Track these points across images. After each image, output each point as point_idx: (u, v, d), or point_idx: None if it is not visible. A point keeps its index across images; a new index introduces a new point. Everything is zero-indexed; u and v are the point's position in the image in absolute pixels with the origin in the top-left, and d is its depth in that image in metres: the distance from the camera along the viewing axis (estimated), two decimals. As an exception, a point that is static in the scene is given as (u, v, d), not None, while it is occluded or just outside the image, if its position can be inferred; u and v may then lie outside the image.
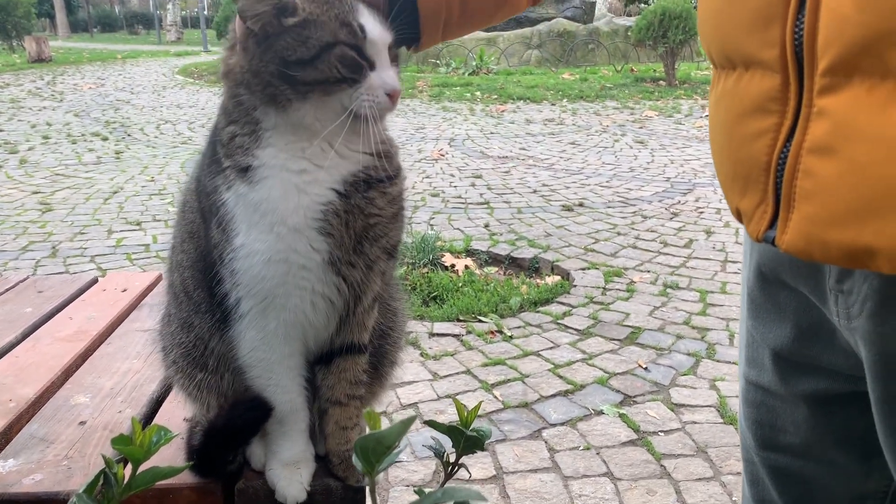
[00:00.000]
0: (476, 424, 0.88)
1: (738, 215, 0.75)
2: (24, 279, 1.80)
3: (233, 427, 0.97)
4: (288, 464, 1.02)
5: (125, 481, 0.73)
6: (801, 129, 0.65)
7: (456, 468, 0.91)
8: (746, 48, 0.70)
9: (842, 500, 0.87)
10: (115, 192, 5.70)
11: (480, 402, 0.89)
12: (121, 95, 11.46)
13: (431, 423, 0.91)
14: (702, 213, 5.19)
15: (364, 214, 0.89)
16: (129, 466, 0.73)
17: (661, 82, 12.24)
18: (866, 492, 0.86)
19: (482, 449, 0.91)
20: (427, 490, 0.75)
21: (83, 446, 1.12)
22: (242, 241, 0.88)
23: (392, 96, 0.85)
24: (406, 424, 0.57)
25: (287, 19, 0.81)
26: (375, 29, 0.84)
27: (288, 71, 0.82)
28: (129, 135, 8.17)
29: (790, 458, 0.88)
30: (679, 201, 5.50)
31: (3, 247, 4.43)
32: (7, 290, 1.74)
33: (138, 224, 4.91)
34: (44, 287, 1.75)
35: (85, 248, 4.42)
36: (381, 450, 0.56)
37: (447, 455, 0.91)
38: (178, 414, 1.20)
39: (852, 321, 0.71)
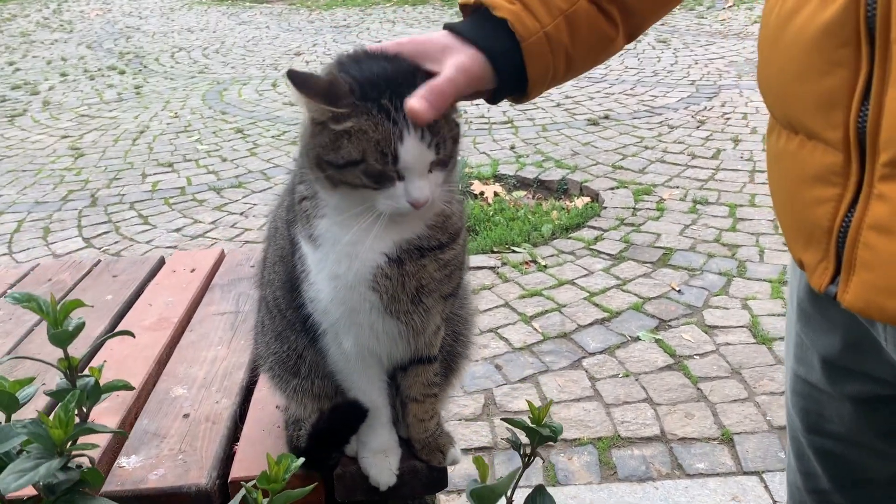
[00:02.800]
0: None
1: (802, 265, 0.83)
2: (97, 263, 1.92)
3: (335, 430, 1.10)
4: (377, 452, 1.15)
5: (264, 505, 0.86)
6: (861, 206, 0.71)
7: (531, 459, 1.04)
8: (810, 124, 0.75)
9: (881, 477, 0.97)
10: (142, 132, 5.76)
11: (551, 401, 1.00)
12: (129, 21, 11.30)
13: (509, 421, 1.03)
14: (728, 119, 5.16)
15: (417, 278, 0.98)
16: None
17: (680, -30, 11.77)
18: None
19: (555, 442, 1.02)
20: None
21: (192, 440, 1.26)
22: (313, 280, 1.00)
23: (415, 205, 0.88)
24: (512, 476, 0.68)
25: (333, 125, 0.86)
26: (411, 153, 0.85)
27: (321, 164, 0.89)
28: (145, 66, 8.13)
29: (834, 442, 0.98)
30: (705, 107, 5.46)
31: (45, 198, 4.56)
32: (84, 276, 1.86)
33: (170, 165, 5.00)
34: (117, 271, 1.88)
35: (123, 195, 4.53)
36: (494, 497, 0.68)
37: (524, 447, 1.04)
38: (270, 402, 1.33)
39: None
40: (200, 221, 4.11)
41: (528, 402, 1.01)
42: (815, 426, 1.00)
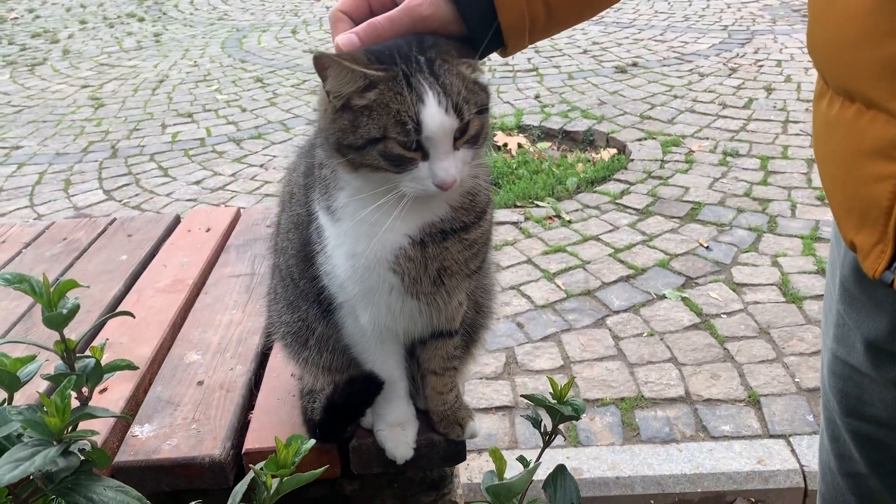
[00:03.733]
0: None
1: (853, 247, 0.76)
2: (112, 222, 1.89)
3: (350, 403, 1.07)
4: (393, 425, 1.12)
5: (274, 488, 0.83)
6: None
7: (553, 436, 1.00)
8: (870, 92, 0.68)
9: None
10: (161, 81, 5.70)
11: (572, 378, 0.96)
12: (148, -34, 11.13)
13: (529, 398, 0.99)
14: (761, 66, 4.98)
15: (439, 260, 0.93)
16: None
17: None
18: None
19: (577, 419, 0.98)
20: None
21: (206, 408, 1.24)
22: (330, 254, 0.96)
23: (442, 187, 0.83)
24: (531, 473, 0.64)
25: (356, 101, 0.81)
26: (435, 120, 0.80)
27: (341, 148, 0.84)
28: (164, 13, 8.02)
29: (874, 426, 0.93)
30: (738, 54, 5.27)
31: (66, 149, 4.54)
32: (99, 235, 1.83)
33: (189, 116, 4.95)
34: (131, 230, 1.84)
35: (143, 147, 4.50)
36: (511, 495, 0.64)
37: (544, 426, 0.99)
38: (285, 369, 1.30)
39: None
40: (220, 174, 4.07)
41: (550, 378, 0.97)
42: (855, 410, 0.94)
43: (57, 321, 0.66)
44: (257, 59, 6.11)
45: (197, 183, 3.99)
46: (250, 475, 0.83)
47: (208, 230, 1.81)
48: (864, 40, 0.68)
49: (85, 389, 0.80)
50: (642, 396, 2.32)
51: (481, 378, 2.45)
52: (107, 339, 1.38)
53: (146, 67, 6.08)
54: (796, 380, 2.33)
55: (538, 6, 0.84)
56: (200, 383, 1.30)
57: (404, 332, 1.05)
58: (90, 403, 0.80)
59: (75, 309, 0.67)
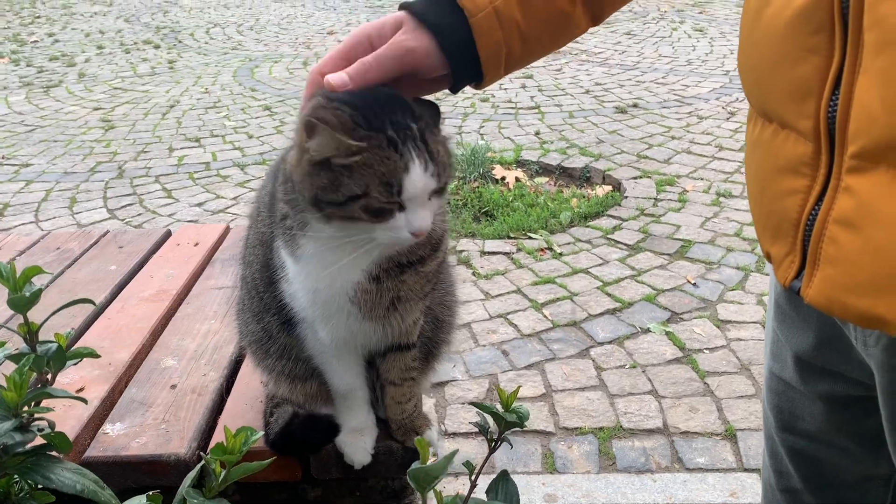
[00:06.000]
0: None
1: (769, 258, 0.81)
2: (105, 234, 1.95)
3: (307, 441, 1.13)
4: (353, 431, 1.16)
5: (222, 476, 0.87)
6: (829, 199, 0.69)
7: (498, 444, 1.04)
8: (783, 113, 0.73)
9: (850, 478, 0.96)
10: (172, 106, 5.82)
11: (519, 387, 0.99)
12: (168, -4, 11.41)
13: (476, 405, 1.03)
14: (759, 111, 5.06)
15: (395, 291, 0.98)
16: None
17: (723, -42, 11.53)
18: (874, 475, 0.95)
19: (521, 427, 1.02)
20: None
21: (177, 410, 1.28)
22: (291, 281, 1.01)
23: (417, 235, 0.87)
24: (448, 459, 0.68)
25: (340, 160, 0.82)
26: (418, 185, 0.83)
27: (319, 203, 0.86)
28: (179, 41, 8.21)
29: (806, 441, 0.97)
30: (737, 98, 5.36)
31: (74, 168, 4.64)
32: (91, 245, 1.89)
33: (197, 140, 5.06)
34: (123, 242, 1.91)
35: (149, 168, 4.60)
36: (429, 479, 0.68)
37: (491, 433, 1.03)
38: (255, 377, 1.34)
39: (868, 349, 0.78)
40: (222, 197, 4.15)
41: (497, 386, 1.01)
42: (788, 424, 0.98)
43: (20, 303, 0.71)
44: (267, 88, 6.24)
45: (199, 205, 4.07)
46: (201, 463, 0.88)
47: (196, 244, 1.87)
48: (777, 64, 0.73)
49: (49, 375, 0.85)
50: (621, 427, 2.35)
51: (463, 403, 2.48)
52: (72, 329, 1.43)
53: (158, 92, 6.22)
54: (774, 416, 2.35)
55: (513, 36, 0.88)
56: (174, 387, 1.34)
57: (362, 346, 1.10)
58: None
59: (37, 293, 0.72)
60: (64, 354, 0.82)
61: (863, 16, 0.63)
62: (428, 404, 2.49)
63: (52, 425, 0.81)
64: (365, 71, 0.85)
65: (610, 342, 2.75)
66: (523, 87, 5.91)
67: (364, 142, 0.82)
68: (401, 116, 0.85)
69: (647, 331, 2.80)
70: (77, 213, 4.00)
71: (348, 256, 0.91)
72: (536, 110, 5.33)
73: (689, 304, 2.96)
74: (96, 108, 5.84)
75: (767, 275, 3.12)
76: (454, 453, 0.67)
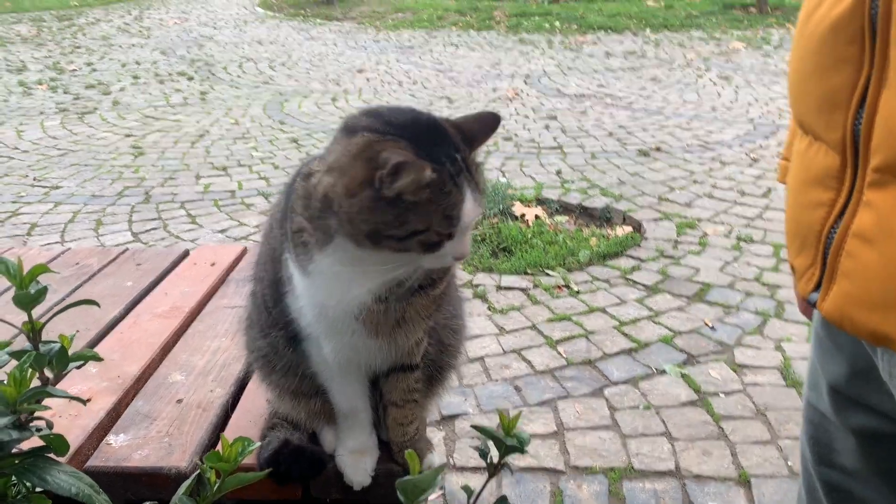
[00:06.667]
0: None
1: (793, 270, 0.80)
2: (124, 251, 1.98)
3: (290, 471, 1.13)
4: (354, 452, 1.16)
5: (217, 485, 0.87)
6: (850, 212, 0.69)
7: (499, 469, 1.03)
8: (815, 124, 0.74)
9: None
10: (202, 136, 5.94)
11: (520, 412, 0.98)
12: (204, 31, 11.70)
13: (477, 428, 1.03)
14: (784, 158, 5.04)
15: (401, 311, 0.99)
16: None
17: (751, 9, 11.62)
18: None
19: (522, 452, 1.01)
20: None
21: (181, 424, 1.29)
22: (298, 296, 1.02)
23: (459, 259, 0.90)
24: (437, 472, 0.68)
25: (407, 196, 0.83)
26: (471, 215, 0.87)
27: (378, 237, 0.86)
28: (212, 74, 8.40)
29: (842, 475, 0.94)
30: (760, 145, 5.35)
31: (102, 192, 4.73)
32: (110, 262, 1.92)
33: (224, 169, 5.14)
34: (141, 260, 1.93)
35: (175, 194, 4.67)
36: (418, 492, 0.67)
37: (491, 457, 1.02)
38: (261, 394, 1.34)
39: (893, 380, 0.77)
40: (245, 224, 4.20)
41: (499, 411, 1.01)
42: (825, 457, 0.96)
43: (25, 300, 0.72)
44: (296, 121, 6.34)
45: (222, 231, 4.12)
46: (197, 472, 0.88)
47: (213, 264, 1.89)
48: (814, 74, 0.73)
49: (50, 374, 0.86)
50: (632, 468, 2.31)
51: (472, 437, 2.45)
52: (77, 330, 1.45)
53: (189, 122, 6.35)
54: (789, 463, 2.30)
55: None
56: (179, 401, 1.35)
57: (366, 365, 1.10)
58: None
59: (43, 291, 0.74)
60: (67, 355, 0.83)
61: (890, 29, 0.63)
62: (437, 437, 2.47)
63: (49, 425, 0.82)
64: None
65: (624, 382, 2.72)
66: (546, 127, 5.96)
67: (436, 175, 0.83)
68: (448, 147, 0.87)
69: (663, 372, 2.76)
70: (102, 235, 4.06)
71: (365, 276, 0.92)
72: (559, 150, 5.36)
73: (705, 347, 2.92)
74: (128, 135, 5.97)
75: (787, 321, 3.08)
76: (442, 467, 0.66)
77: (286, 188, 1.13)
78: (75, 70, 8.67)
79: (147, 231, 4.12)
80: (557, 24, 11.18)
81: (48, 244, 3.95)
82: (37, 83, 7.97)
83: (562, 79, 7.78)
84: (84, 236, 4.05)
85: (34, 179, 4.98)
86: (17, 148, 5.73)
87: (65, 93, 7.51)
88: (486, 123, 0.94)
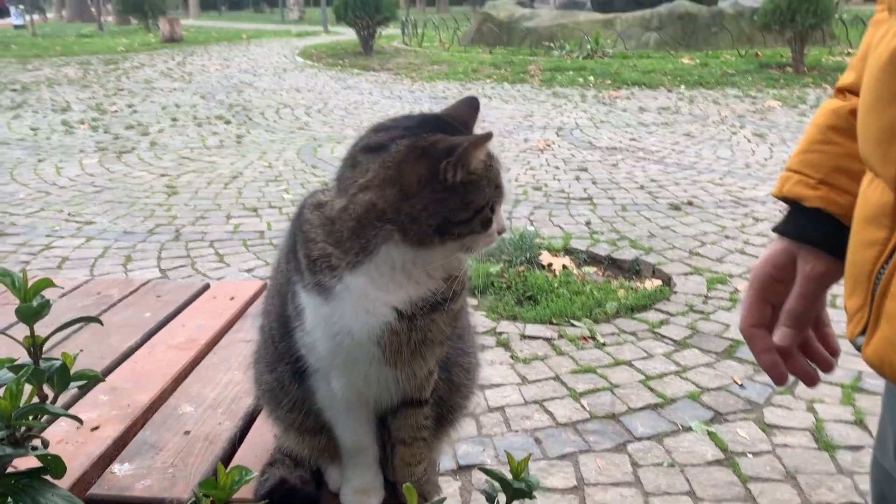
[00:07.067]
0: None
1: (847, 311, 0.77)
2: (146, 283, 1.99)
3: None
4: (358, 491, 1.12)
5: (212, 515, 0.84)
6: None
7: (506, 513, 0.98)
8: (872, 159, 0.71)
9: None
10: (235, 178, 6.03)
11: (529, 455, 0.95)
12: (244, 77, 12.02)
13: (484, 470, 0.99)
14: (818, 217, 4.96)
15: (423, 332, 0.96)
16: None
17: (787, 69, 11.64)
18: None
19: (531, 498, 0.97)
20: None
21: (186, 455, 1.26)
22: (309, 329, 0.99)
23: (502, 232, 0.93)
24: (440, 505, 0.65)
25: (473, 173, 0.88)
26: (506, 182, 0.92)
27: (447, 226, 0.88)
28: (249, 118, 8.59)
29: None
30: (794, 203, 5.27)
31: (133, 228, 4.80)
32: (131, 293, 1.93)
33: (255, 210, 5.20)
34: (162, 292, 1.93)
35: (205, 233, 4.72)
36: (420, 529, 0.64)
37: (498, 501, 0.98)
38: (268, 429, 1.31)
39: None
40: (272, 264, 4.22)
41: (508, 453, 0.97)
42: None
43: (27, 313, 0.71)
44: (328, 166, 6.42)
45: (248, 270, 4.14)
46: (192, 499, 0.85)
47: (232, 298, 1.88)
48: (873, 105, 0.70)
49: (51, 392, 0.85)
50: (654, 528, 2.22)
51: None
52: (80, 350, 1.44)
53: (223, 164, 6.46)
54: (821, 530, 2.20)
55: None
56: (187, 433, 1.32)
57: (375, 400, 1.06)
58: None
59: (46, 304, 0.72)
60: (68, 373, 0.81)
61: None
62: (453, 487, 2.41)
63: (45, 444, 0.80)
64: (798, 318, 0.91)
65: (649, 438, 2.63)
66: (577, 178, 5.95)
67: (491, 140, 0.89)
68: (456, 131, 0.93)
69: (689, 429, 2.68)
70: (130, 271, 4.10)
71: (380, 290, 0.92)
72: (589, 202, 5.34)
73: (734, 405, 2.83)
74: (162, 175, 6.09)
75: (820, 381, 2.97)
76: (443, 500, 0.63)
77: (291, 225, 1.10)
78: (117, 111, 8.93)
79: (175, 268, 4.16)
80: (591, 78, 11.28)
81: (76, 277, 3.99)
82: (79, 122, 8.21)
83: (594, 132, 7.80)
84: (113, 271, 4.10)
85: (68, 214, 5.08)
86: (55, 184, 5.87)
87: (105, 132, 7.71)
88: (472, 106, 1.01)
